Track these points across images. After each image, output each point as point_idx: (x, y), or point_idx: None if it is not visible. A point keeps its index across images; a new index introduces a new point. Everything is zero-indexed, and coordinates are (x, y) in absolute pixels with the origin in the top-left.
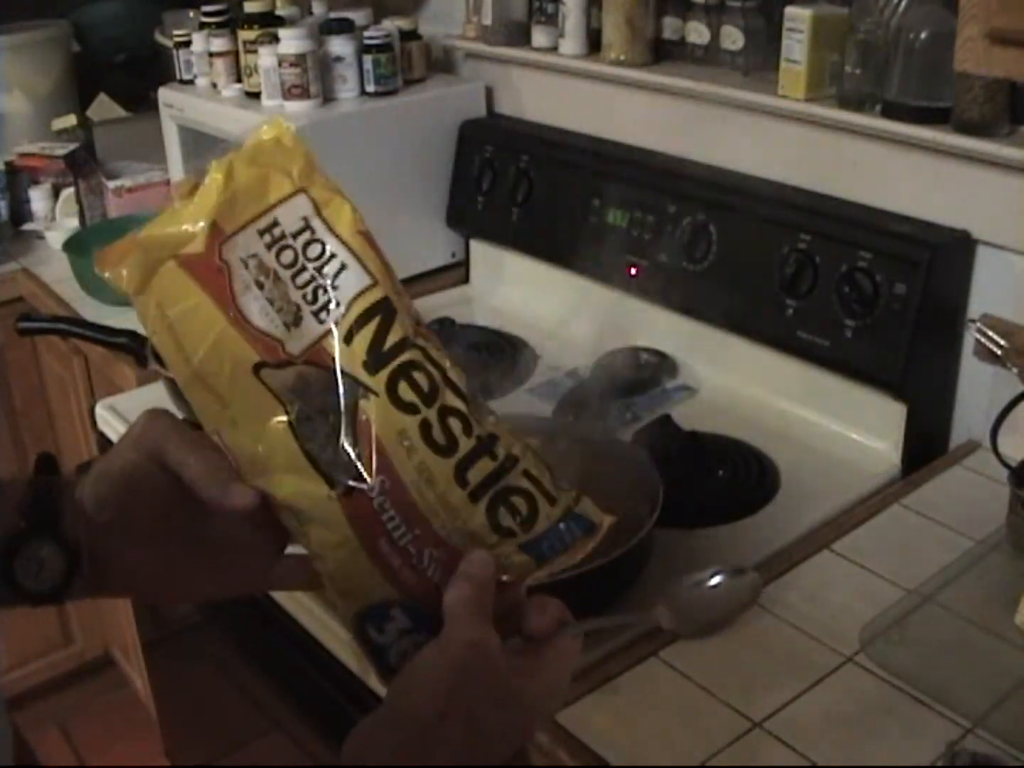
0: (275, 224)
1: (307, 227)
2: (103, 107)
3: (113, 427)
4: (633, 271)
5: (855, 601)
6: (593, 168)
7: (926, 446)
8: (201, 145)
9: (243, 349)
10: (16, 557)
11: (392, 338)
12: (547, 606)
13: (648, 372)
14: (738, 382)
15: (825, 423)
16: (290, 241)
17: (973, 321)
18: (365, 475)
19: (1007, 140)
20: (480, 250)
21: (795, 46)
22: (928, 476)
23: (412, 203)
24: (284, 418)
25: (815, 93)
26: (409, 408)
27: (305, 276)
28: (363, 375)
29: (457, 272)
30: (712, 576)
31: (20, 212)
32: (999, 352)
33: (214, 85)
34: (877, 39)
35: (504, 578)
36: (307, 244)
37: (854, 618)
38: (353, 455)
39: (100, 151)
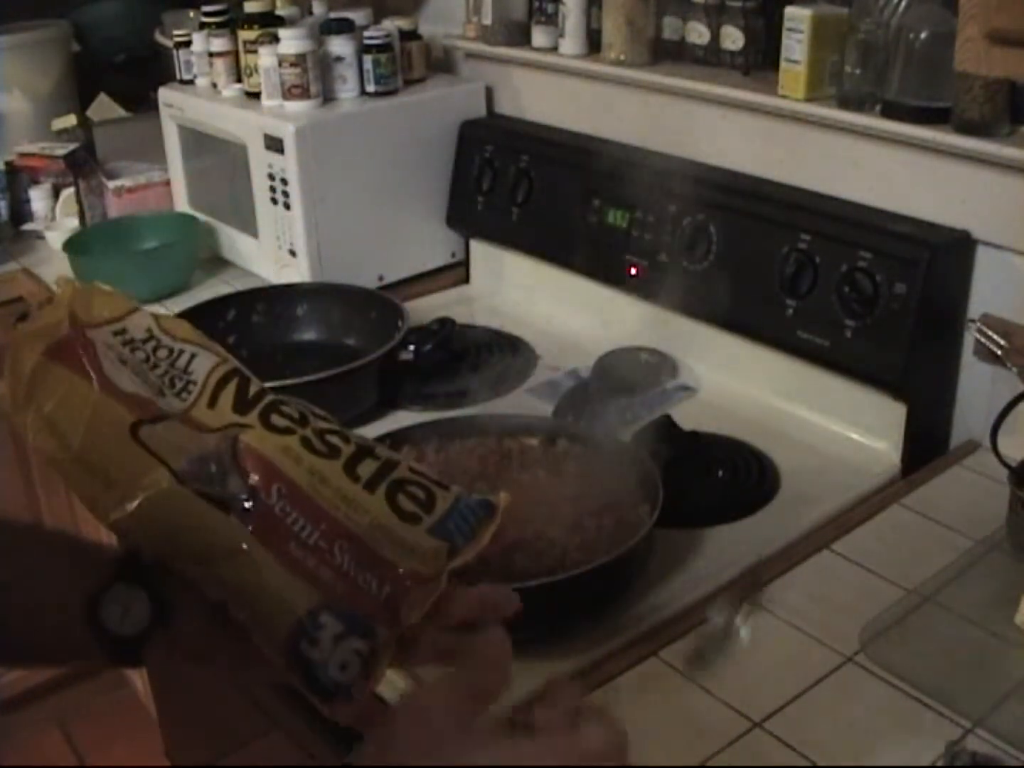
0: (125, 331)
1: (152, 336)
2: (103, 107)
3: None
4: (633, 271)
5: (855, 601)
6: (593, 168)
7: (926, 446)
8: (201, 145)
9: (117, 413)
10: (103, 596)
11: (253, 390)
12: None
13: (648, 372)
14: (738, 382)
15: (825, 423)
16: (140, 345)
17: (973, 321)
18: (260, 489)
19: (1007, 140)
20: (480, 250)
21: (795, 46)
22: (928, 476)
23: (412, 203)
24: (168, 472)
25: (815, 93)
26: (286, 431)
27: (160, 370)
28: (235, 419)
29: (457, 272)
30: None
31: (20, 212)
32: (999, 352)
33: (214, 85)
34: (877, 39)
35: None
36: (155, 348)
37: (854, 618)
38: (244, 481)
39: (100, 151)
